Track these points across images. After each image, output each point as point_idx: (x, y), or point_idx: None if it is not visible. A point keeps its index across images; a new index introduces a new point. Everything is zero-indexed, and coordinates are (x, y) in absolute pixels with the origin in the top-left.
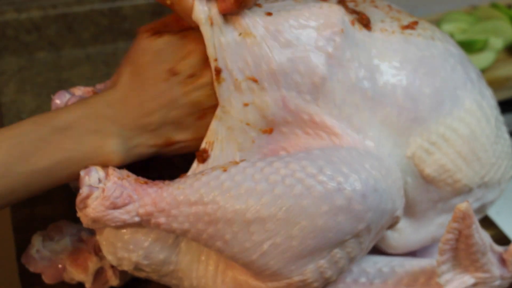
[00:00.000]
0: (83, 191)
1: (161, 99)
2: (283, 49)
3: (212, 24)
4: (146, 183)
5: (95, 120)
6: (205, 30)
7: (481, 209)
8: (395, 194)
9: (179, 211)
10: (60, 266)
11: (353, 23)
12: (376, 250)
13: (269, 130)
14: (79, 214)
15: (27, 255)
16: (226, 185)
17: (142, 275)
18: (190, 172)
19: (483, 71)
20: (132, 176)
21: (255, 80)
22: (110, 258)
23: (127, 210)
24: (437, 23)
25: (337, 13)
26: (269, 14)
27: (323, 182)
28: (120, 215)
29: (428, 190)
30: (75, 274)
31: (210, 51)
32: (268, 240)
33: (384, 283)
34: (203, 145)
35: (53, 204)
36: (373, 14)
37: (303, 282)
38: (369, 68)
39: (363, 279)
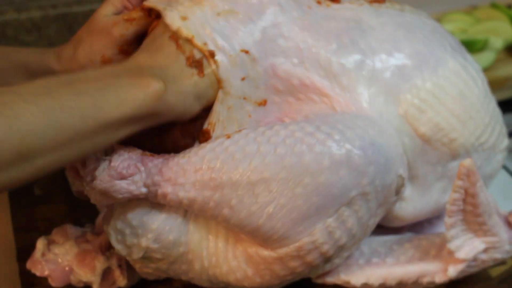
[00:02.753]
0: (90, 163)
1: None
2: (267, 16)
3: (185, 19)
4: (152, 155)
5: (128, 73)
6: (184, 28)
7: None
8: (392, 151)
9: (185, 179)
10: (66, 268)
11: (319, 3)
12: (385, 229)
13: (263, 102)
14: (87, 189)
15: (33, 260)
16: (231, 150)
17: (151, 268)
18: None
19: (483, 71)
20: (138, 150)
21: (246, 52)
22: (119, 247)
23: (134, 180)
24: None
25: None
26: None
27: (321, 140)
28: (127, 186)
29: (426, 151)
30: (82, 275)
31: (198, 41)
32: (273, 201)
33: (396, 260)
34: (205, 126)
35: (53, 204)
36: None
37: (313, 244)
38: (350, 32)
39: (375, 259)
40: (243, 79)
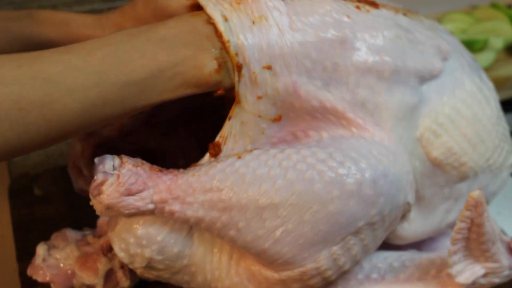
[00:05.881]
0: (98, 177)
1: None
2: (296, 33)
3: (226, 20)
4: (160, 170)
5: (190, 34)
6: (223, 28)
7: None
8: (404, 179)
9: (194, 198)
10: (69, 272)
11: (358, 8)
12: (385, 244)
13: (278, 117)
14: (92, 201)
15: (34, 266)
16: (241, 171)
17: (152, 275)
18: (201, 162)
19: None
20: (147, 164)
21: (269, 67)
22: (122, 255)
23: (142, 196)
24: None
25: (343, 2)
26: None
27: (333, 167)
28: (134, 201)
29: (435, 174)
30: (85, 278)
31: (232, 48)
32: (281, 226)
33: (395, 278)
34: (217, 139)
35: (53, 204)
36: None
37: (317, 270)
38: (389, 48)
39: (374, 275)
40: (259, 97)
